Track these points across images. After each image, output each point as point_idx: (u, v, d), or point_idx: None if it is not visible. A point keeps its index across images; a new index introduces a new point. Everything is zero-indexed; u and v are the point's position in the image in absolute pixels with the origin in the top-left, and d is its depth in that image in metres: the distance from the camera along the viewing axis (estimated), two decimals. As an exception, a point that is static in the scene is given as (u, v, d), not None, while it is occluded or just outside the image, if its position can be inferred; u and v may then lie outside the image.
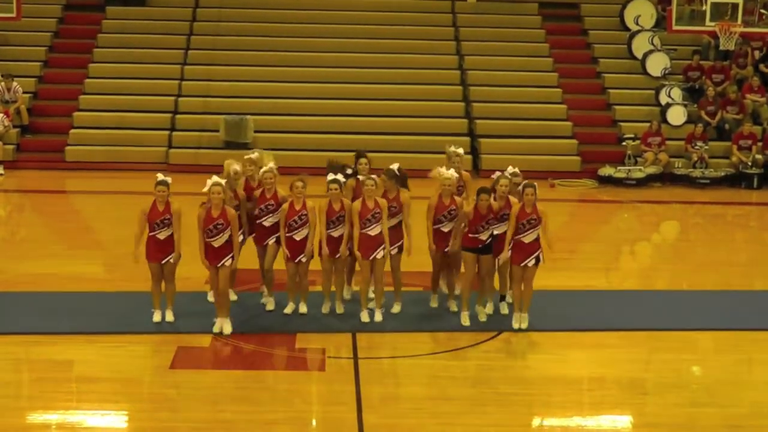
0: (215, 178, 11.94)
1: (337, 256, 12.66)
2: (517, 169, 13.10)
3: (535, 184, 12.38)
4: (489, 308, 13.10)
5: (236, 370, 11.44)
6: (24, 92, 24.12)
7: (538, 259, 12.37)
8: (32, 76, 25.13)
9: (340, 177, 12.62)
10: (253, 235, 13.04)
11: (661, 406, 10.75)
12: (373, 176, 12.67)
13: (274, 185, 12.81)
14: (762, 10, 24.26)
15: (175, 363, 11.48)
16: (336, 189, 12.45)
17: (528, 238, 12.30)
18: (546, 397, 10.87)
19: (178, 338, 12.03)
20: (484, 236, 12.43)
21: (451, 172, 12.81)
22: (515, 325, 12.60)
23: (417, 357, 11.97)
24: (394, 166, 13.05)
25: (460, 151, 13.59)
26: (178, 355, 11.67)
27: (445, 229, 12.81)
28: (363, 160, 13.12)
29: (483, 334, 12.46)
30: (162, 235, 12.19)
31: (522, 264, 12.36)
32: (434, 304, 13.37)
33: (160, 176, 12.26)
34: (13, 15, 22.65)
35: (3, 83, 23.86)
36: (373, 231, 12.50)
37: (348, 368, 11.54)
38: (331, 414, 10.58)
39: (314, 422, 10.45)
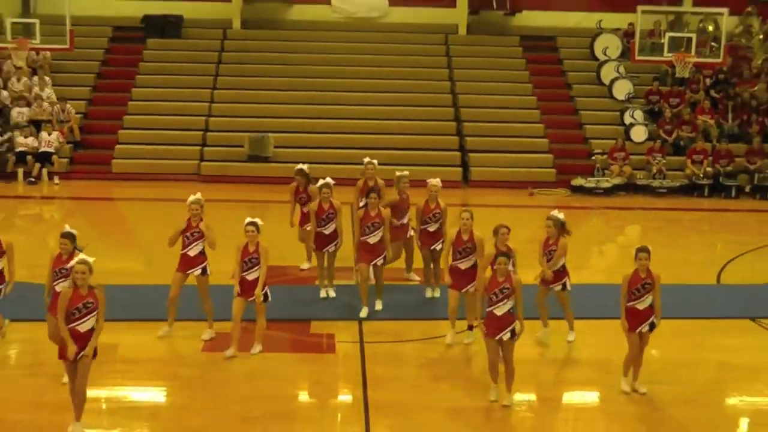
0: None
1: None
2: (560, 215, 11.82)
3: (649, 248, 10.20)
4: None
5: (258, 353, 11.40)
6: (76, 113, 24.16)
7: (652, 325, 10.26)
8: (83, 99, 25.12)
9: (258, 221, 10.98)
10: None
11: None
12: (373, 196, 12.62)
13: (200, 215, 11.46)
14: (712, 43, 24.32)
15: (206, 346, 11.48)
16: (252, 231, 10.89)
17: (642, 304, 10.16)
18: (528, 375, 10.83)
19: (207, 325, 11.97)
20: (499, 311, 9.79)
21: (437, 180, 13.05)
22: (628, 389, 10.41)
23: (416, 341, 11.95)
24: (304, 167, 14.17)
25: (374, 162, 13.87)
26: (208, 340, 11.64)
27: (431, 229, 12.91)
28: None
29: (474, 321, 12.38)
30: (83, 327, 8.85)
31: (637, 331, 10.20)
32: (429, 295, 13.41)
33: (83, 255, 8.96)
34: (67, 46, 22.67)
35: (58, 105, 23.88)
36: (372, 239, 12.50)
37: (355, 351, 11.55)
38: (340, 391, 10.59)
39: (326, 398, 10.45)
